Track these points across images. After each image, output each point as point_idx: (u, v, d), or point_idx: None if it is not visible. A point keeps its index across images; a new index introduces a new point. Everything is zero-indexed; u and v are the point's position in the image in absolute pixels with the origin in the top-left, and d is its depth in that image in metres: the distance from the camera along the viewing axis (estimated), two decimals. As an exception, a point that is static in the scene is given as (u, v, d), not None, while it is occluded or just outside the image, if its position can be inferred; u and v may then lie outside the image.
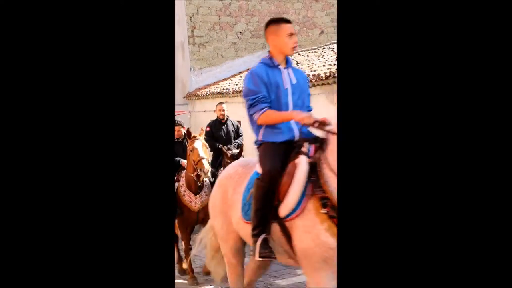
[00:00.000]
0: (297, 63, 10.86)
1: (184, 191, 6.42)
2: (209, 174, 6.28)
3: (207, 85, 13.25)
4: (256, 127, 3.54)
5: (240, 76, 12.53)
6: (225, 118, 7.69)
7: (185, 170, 6.59)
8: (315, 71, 8.78)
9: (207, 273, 6.11)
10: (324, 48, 11.74)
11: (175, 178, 6.74)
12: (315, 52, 11.65)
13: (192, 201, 6.39)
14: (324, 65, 9.07)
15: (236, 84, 11.41)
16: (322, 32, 14.64)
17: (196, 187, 6.34)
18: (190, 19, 13.30)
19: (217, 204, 3.94)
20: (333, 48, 10.79)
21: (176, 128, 7.15)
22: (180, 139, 7.25)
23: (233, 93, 10.91)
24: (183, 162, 6.80)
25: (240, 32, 13.86)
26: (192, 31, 13.34)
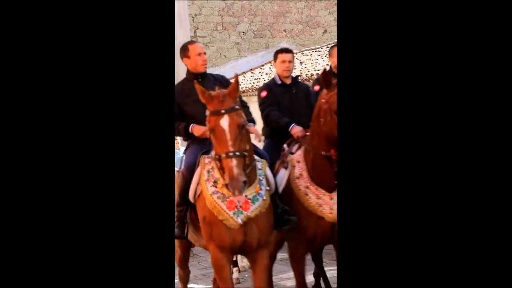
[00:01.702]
0: (301, 62, 10.86)
1: (307, 187, 3.48)
2: None
3: (210, 85, 13.26)
4: None
5: (244, 76, 12.54)
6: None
7: (302, 146, 3.63)
8: (318, 70, 8.79)
9: None
10: (327, 47, 11.75)
11: (278, 161, 3.76)
12: (318, 51, 11.66)
13: (324, 204, 3.43)
14: (327, 64, 9.07)
15: (240, 84, 11.37)
16: (325, 31, 14.63)
17: (333, 178, 3.39)
18: (193, 20, 13.30)
19: None
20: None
21: (284, 66, 4.11)
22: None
23: (236, 93, 10.87)
24: (299, 129, 3.79)
25: (243, 32, 13.86)
26: (195, 32, 13.35)
